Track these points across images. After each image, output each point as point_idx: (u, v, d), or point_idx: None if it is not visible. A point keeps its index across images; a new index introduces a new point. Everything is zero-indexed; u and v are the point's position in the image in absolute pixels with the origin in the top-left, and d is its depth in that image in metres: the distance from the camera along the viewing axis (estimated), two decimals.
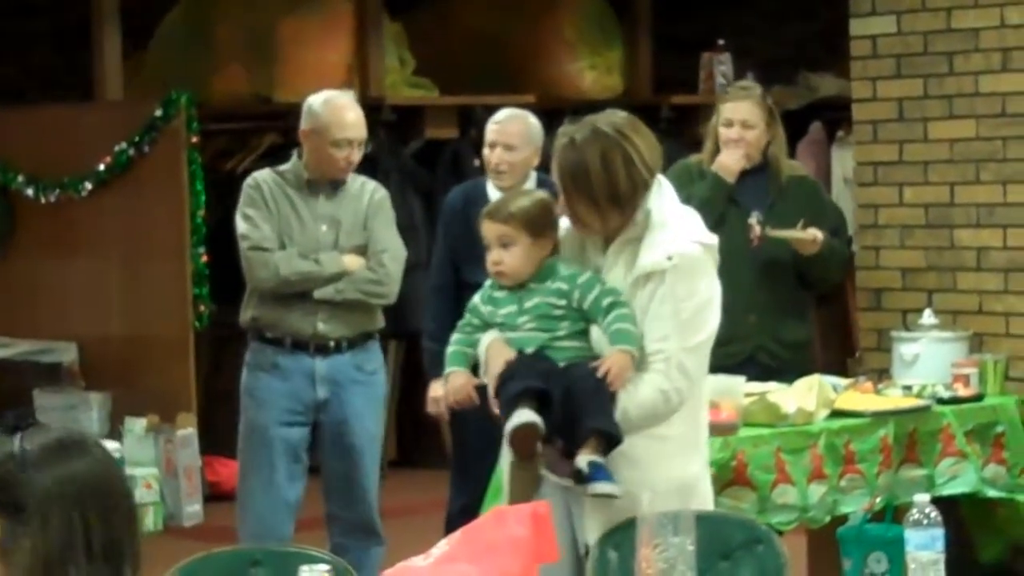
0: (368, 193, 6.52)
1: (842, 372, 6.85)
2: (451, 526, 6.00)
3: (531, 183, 6.61)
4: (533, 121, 6.78)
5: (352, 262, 6.37)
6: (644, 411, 4.36)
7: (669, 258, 4.35)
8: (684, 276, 4.37)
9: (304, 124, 6.36)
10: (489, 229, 4.54)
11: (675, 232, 4.42)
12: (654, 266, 4.36)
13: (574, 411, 4.35)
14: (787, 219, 6.32)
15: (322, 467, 6.54)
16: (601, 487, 4.30)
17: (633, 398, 4.35)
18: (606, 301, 4.37)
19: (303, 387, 6.33)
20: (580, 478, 4.33)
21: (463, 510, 6.22)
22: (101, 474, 2.64)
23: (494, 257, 4.51)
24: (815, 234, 6.27)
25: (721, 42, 11.29)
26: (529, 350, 4.42)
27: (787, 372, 6.00)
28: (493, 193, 6.61)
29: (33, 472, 2.59)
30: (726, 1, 12.15)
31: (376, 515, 6.44)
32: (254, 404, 6.43)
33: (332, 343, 6.36)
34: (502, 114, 6.82)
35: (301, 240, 6.36)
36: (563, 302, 4.44)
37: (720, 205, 6.08)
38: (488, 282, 4.63)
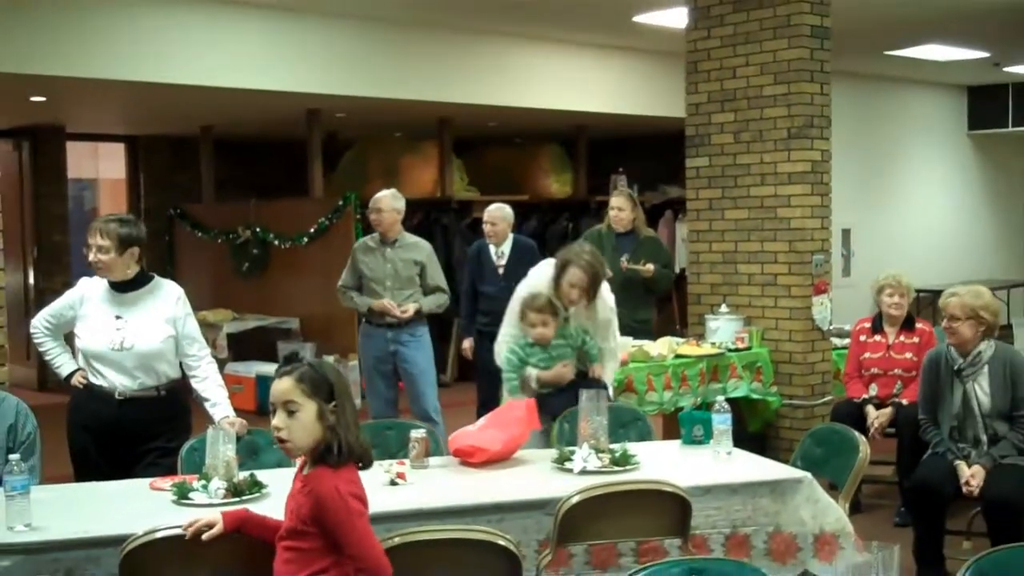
0: (421, 248, 6.04)
1: (680, 335, 6.81)
2: (479, 412, 5.95)
3: (510, 241, 6.43)
4: (507, 209, 6.48)
5: (379, 304, 5.89)
6: (612, 379, 4.60)
7: (612, 309, 4.56)
8: (615, 316, 4.59)
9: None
10: (535, 317, 4.33)
11: (609, 299, 4.57)
12: (611, 312, 4.56)
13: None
14: (641, 259, 6.24)
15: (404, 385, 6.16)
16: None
17: (607, 376, 4.52)
18: (583, 338, 4.42)
19: (383, 345, 5.96)
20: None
21: (482, 405, 6.14)
22: (342, 378, 2.57)
23: (539, 331, 4.33)
24: (651, 267, 6.21)
25: (620, 169, 11.29)
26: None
27: (638, 335, 5.84)
28: (492, 248, 6.46)
29: (328, 375, 2.50)
30: (623, 150, 12.14)
31: (431, 409, 5.96)
32: (363, 352, 6.15)
33: (397, 322, 5.95)
34: (492, 206, 6.51)
35: (377, 272, 5.95)
36: (567, 341, 4.39)
37: (606, 254, 5.92)
38: (521, 342, 4.39)
